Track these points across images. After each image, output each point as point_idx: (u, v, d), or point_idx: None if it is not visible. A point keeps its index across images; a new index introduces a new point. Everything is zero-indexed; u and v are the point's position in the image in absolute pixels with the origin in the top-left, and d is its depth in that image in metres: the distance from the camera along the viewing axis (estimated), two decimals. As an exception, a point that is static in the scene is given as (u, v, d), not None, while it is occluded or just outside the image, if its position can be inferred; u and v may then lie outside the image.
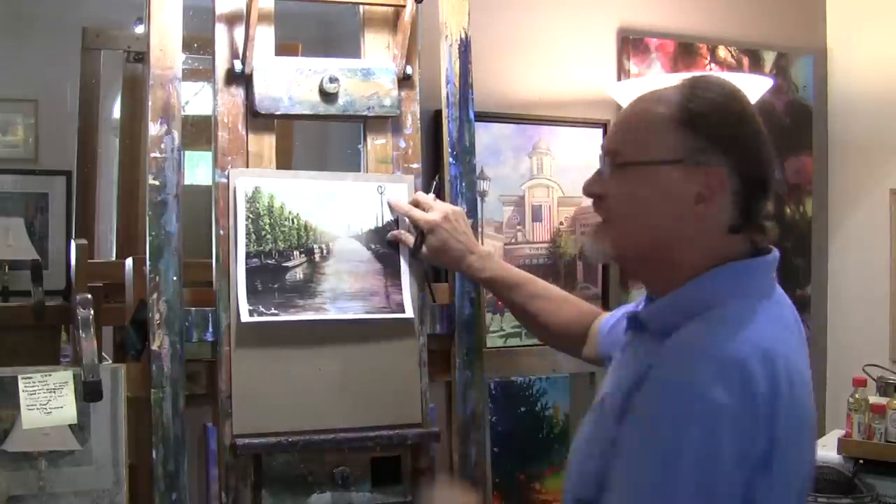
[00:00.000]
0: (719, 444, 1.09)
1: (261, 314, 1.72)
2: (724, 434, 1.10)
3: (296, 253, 1.79)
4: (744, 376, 1.12)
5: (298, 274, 1.78)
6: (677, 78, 1.34)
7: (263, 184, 1.78)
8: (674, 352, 1.19)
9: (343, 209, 1.83)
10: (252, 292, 1.73)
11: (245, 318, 1.71)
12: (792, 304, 1.34)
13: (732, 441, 1.10)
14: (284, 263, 1.78)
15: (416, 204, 1.84)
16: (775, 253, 1.33)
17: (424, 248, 1.81)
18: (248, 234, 1.75)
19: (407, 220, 1.84)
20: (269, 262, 1.77)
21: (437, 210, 1.82)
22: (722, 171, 1.22)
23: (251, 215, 1.76)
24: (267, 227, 1.77)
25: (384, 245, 1.84)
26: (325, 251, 1.81)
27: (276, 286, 1.76)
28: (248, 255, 1.75)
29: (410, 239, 1.83)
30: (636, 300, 1.58)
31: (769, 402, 1.12)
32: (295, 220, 1.80)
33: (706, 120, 1.23)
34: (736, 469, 1.10)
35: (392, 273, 1.84)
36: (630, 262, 1.39)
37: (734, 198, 1.24)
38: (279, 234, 1.78)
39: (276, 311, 1.73)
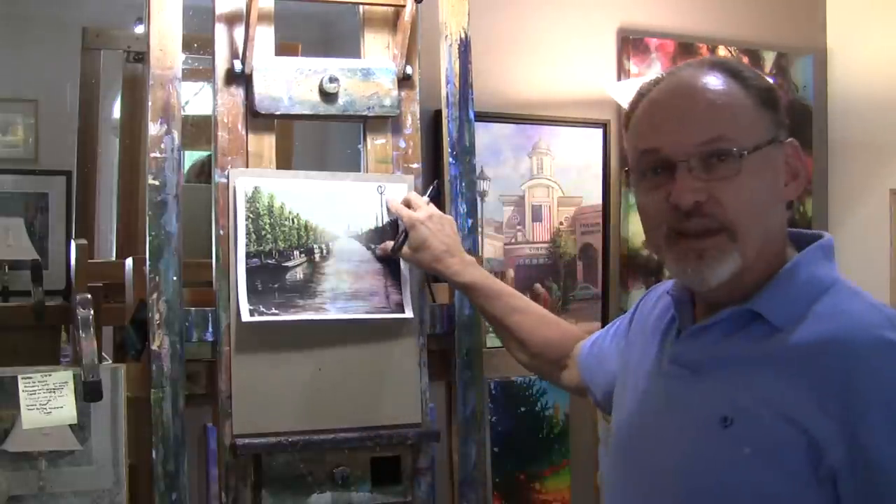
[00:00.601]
0: None
1: (261, 314, 1.72)
2: None
3: (296, 253, 1.79)
4: None
5: (298, 274, 1.78)
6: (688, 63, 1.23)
7: (263, 184, 1.78)
8: (860, 345, 1.06)
9: (343, 209, 1.83)
10: (252, 292, 1.73)
11: (245, 317, 1.71)
12: None
13: None
14: (284, 263, 1.78)
15: (407, 203, 1.81)
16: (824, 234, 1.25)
17: (406, 247, 1.79)
18: (248, 233, 1.75)
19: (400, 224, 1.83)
20: (269, 261, 1.77)
21: (423, 210, 1.79)
22: (796, 143, 1.18)
23: (251, 215, 1.76)
24: (267, 226, 1.77)
25: (380, 260, 1.84)
26: (325, 251, 1.81)
27: (276, 286, 1.76)
28: (249, 255, 1.75)
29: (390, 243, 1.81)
30: (633, 303, 1.50)
31: None
32: (295, 220, 1.80)
33: (770, 94, 1.17)
34: None
35: (392, 273, 1.84)
36: (747, 271, 1.15)
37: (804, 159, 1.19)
38: (279, 234, 1.78)
39: (276, 311, 1.73)
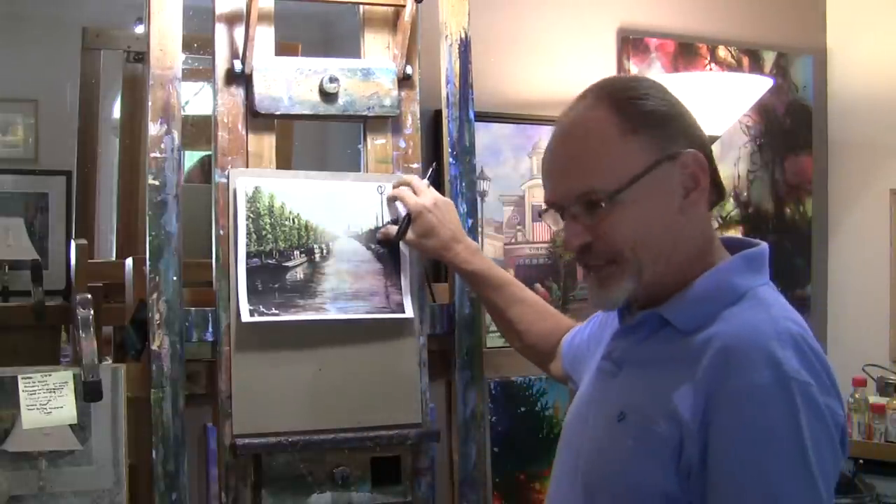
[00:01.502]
0: (825, 426, 1.10)
1: (261, 314, 1.72)
2: (824, 413, 1.10)
3: (296, 253, 1.79)
4: (812, 351, 1.14)
5: (299, 274, 1.78)
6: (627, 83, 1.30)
7: (263, 184, 1.78)
8: (739, 351, 1.11)
9: (343, 209, 1.83)
10: (252, 292, 1.73)
11: (245, 317, 1.71)
12: None
13: (824, 421, 1.10)
14: (285, 263, 1.78)
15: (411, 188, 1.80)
16: (762, 242, 1.29)
17: (410, 233, 1.78)
18: (248, 233, 1.75)
19: (400, 209, 1.82)
20: (270, 261, 1.77)
21: (427, 195, 1.79)
22: (691, 152, 1.20)
23: (251, 215, 1.76)
24: (267, 226, 1.77)
25: (382, 244, 1.84)
26: (325, 251, 1.81)
27: (276, 286, 1.76)
28: (249, 255, 1.75)
29: (394, 228, 1.80)
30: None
31: (829, 374, 1.15)
32: (295, 220, 1.80)
33: (653, 116, 1.20)
34: (833, 452, 1.11)
35: (392, 273, 1.84)
36: (648, 286, 1.23)
37: (711, 172, 1.22)
38: (279, 234, 1.78)
39: (276, 311, 1.73)
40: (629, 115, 1.19)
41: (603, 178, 1.18)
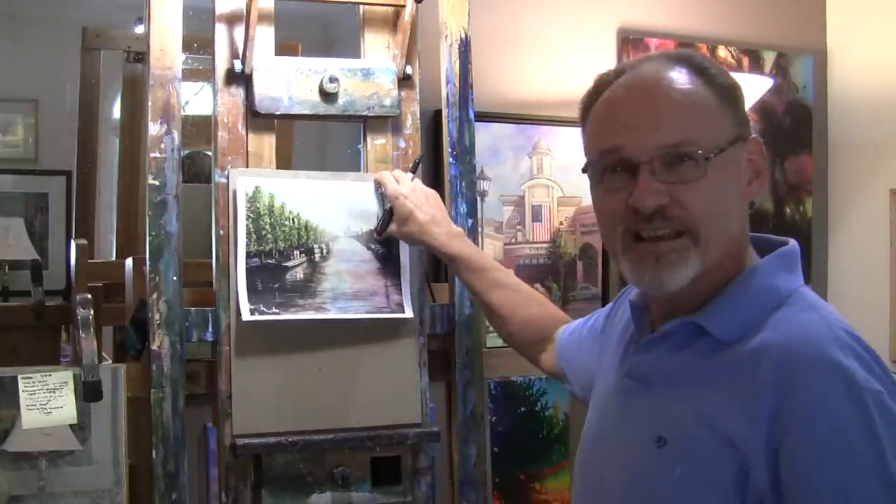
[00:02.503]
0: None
1: (262, 313, 1.72)
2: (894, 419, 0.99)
3: (296, 252, 1.79)
4: (871, 355, 1.04)
5: (299, 274, 1.78)
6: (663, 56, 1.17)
7: (263, 183, 1.78)
8: (802, 362, 1.00)
9: (343, 209, 1.83)
10: (252, 291, 1.73)
11: (246, 316, 1.71)
12: None
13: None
14: (284, 263, 1.78)
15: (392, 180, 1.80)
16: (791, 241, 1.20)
17: (393, 224, 1.78)
18: (248, 233, 1.75)
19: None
20: (270, 261, 1.77)
21: (406, 184, 1.79)
22: (758, 138, 1.14)
23: (251, 215, 1.76)
24: (267, 226, 1.77)
25: (381, 244, 1.84)
26: (325, 251, 1.81)
27: (276, 286, 1.76)
28: (249, 255, 1.75)
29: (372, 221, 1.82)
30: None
31: (889, 375, 1.04)
32: (295, 220, 1.80)
33: (734, 91, 1.12)
34: None
35: (392, 273, 1.84)
36: (707, 275, 1.10)
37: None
38: (279, 234, 1.78)
39: (276, 311, 1.73)
40: (716, 85, 1.10)
41: (703, 133, 1.06)
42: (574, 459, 1.30)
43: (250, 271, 1.74)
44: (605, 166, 1.12)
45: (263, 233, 1.77)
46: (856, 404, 0.98)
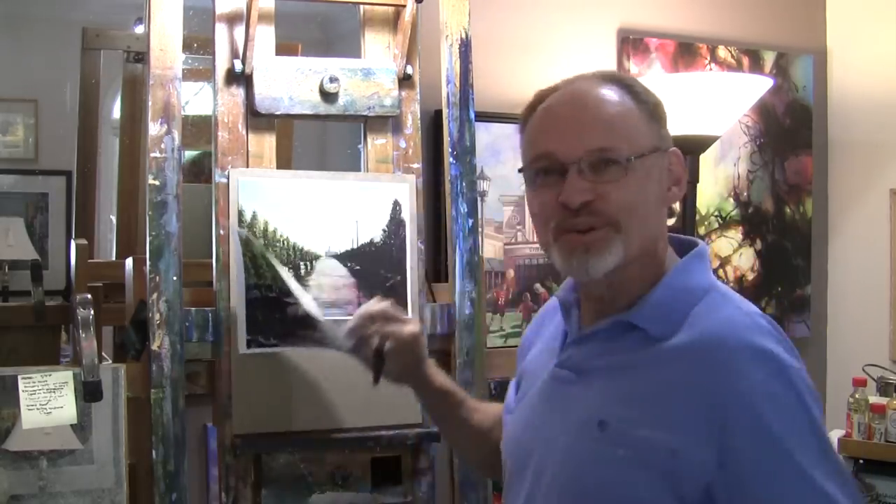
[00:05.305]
0: (819, 402, 1.14)
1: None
2: (816, 393, 1.14)
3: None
4: (782, 335, 1.16)
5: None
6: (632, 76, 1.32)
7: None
8: (731, 351, 1.11)
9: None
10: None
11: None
12: None
13: (818, 398, 1.14)
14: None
15: (388, 317, 1.48)
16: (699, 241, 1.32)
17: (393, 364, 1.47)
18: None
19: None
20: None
21: (411, 322, 1.54)
22: (678, 150, 1.24)
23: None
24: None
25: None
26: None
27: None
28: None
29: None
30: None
31: (796, 350, 1.17)
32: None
33: (657, 109, 1.24)
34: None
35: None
36: (629, 267, 1.20)
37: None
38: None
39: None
40: (641, 102, 1.22)
41: (625, 141, 1.18)
42: (502, 448, 1.35)
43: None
44: (538, 169, 1.22)
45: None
46: (786, 382, 1.10)
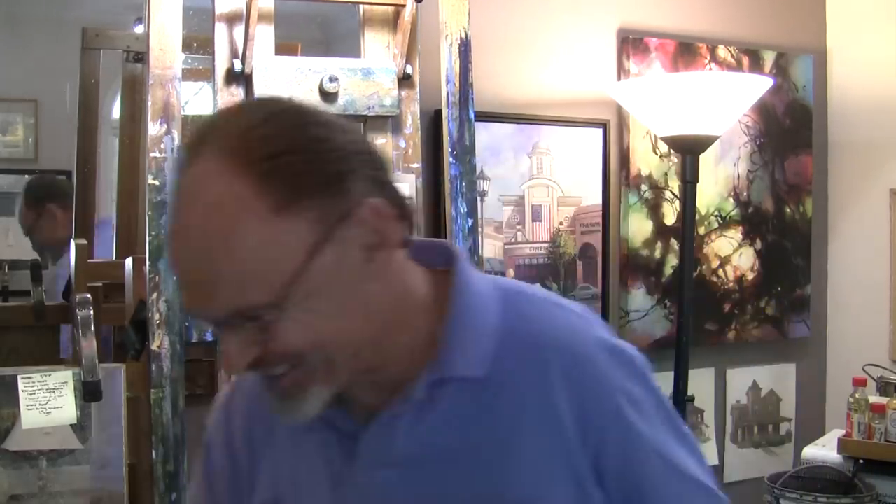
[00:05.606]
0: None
1: None
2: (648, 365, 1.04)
3: None
4: (589, 311, 1.06)
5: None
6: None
7: None
8: (571, 357, 0.96)
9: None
10: None
11: None
12: None
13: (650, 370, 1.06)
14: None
15: None
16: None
17: None
18: None
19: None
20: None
21: None
22: (367, 203, 0.89)
23: None
24: None
25: None
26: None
27: None
28: None
29: None
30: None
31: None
32: None
33: (296, 177, 0.85)
34: None
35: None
36: (362, 373, 0.95)
37: (393, 210, 0.91)
38: None
39: None
40: (273, 182, 0.84)
41: (259, 288, 0.85)
42: None
43: None
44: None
45: None
46: (636, 374, 0.99)
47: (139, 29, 2.24)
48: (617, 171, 2.67)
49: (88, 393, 1.67)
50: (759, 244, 2.92)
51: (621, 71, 2.68)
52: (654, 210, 2.71)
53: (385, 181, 0.92)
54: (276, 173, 0.85)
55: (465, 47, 1.97)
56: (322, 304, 0.88)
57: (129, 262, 1.86)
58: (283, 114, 0.89)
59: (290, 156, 0.86)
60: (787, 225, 2.98)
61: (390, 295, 0.94)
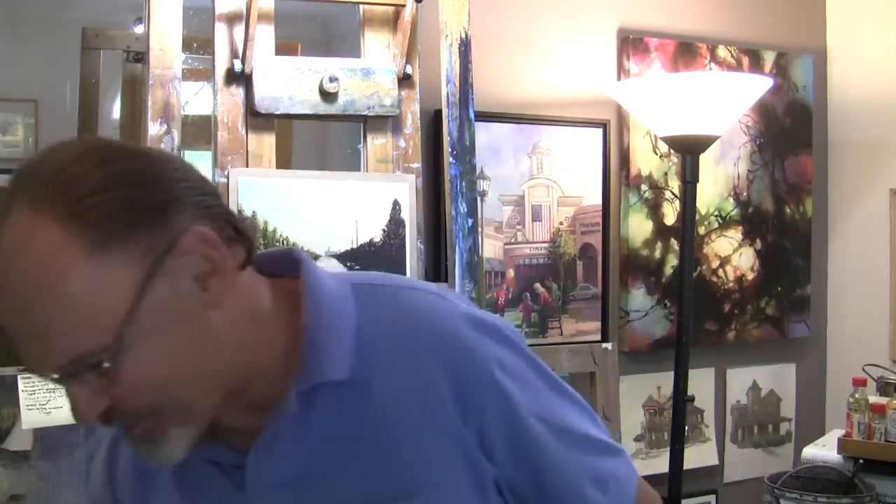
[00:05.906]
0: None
1: None
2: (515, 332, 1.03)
3: None
4: (449, 291, 1.09)
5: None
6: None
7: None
8: (437, 343, 0.94)
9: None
10: None
11: None
12: None
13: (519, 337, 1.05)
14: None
15: None
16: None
17: None
18: None
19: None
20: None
21: None
22: (190, 231, 0.86)
23: None
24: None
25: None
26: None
27: None
28: None
29: None
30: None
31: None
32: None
33: (111, 216, 0.82)
34: None
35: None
36: (228, 401, 0.91)
37: (224, 233, 0.88)
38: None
39: None
40: (84, 223, 0.81)
41: (92, 334, 0.82)
42: None
43: None
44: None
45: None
46: (503, 341, 0.97)
47: (139, 29, 2.24)
48: (617, 171, 2.67)
49: (88, 393, 1.67)
50: (759, 244, 2.92)
51: (621, 71, 2.68)
52: (654, 210, 2.71)
53: (213, 206, 0.89)
54: (87, 214, 0.81)
55: (465, 47, 1.97)
56: (163, 340, 0.85)
57: (129, 261, 1.86)
58: (91, 152, 0.85)
59: (101, 195, 0.82)
60: (787, 225, 2.98)
61: (237, 317, 0.90)
